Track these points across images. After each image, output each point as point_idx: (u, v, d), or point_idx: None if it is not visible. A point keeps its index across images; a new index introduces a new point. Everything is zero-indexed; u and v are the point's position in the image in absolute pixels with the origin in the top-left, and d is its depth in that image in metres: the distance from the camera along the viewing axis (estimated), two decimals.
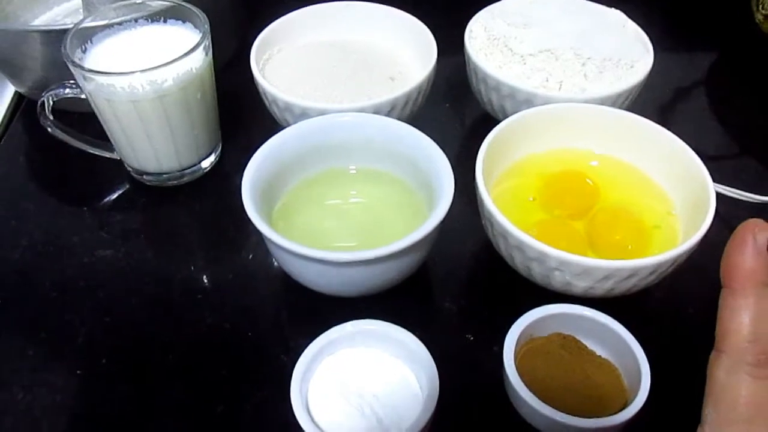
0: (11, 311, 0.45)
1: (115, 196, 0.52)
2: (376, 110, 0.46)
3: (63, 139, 0.50)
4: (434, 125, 0.46)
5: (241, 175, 0.40)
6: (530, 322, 0.38)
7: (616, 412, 0.34)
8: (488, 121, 0.52)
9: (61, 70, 0.47)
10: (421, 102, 0.50)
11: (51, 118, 0.49)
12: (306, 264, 0.38)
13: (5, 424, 0.39)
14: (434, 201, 0.40)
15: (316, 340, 0.37)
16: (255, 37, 0.53)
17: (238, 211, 0.38)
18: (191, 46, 0.45)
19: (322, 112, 0.45)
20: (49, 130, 0.50)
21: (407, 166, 0.44)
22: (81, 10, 0.61)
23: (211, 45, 0.47)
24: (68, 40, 0.45)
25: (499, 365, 0.37)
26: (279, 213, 0.44)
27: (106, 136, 0.50)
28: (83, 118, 0.50)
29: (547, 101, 0.47)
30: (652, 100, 0.59)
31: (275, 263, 0.46)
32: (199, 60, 0.46)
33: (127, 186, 0.53)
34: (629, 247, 0.41)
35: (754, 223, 0.26)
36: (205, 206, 0.52)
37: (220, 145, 0.54)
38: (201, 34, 0.46)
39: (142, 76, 0.43)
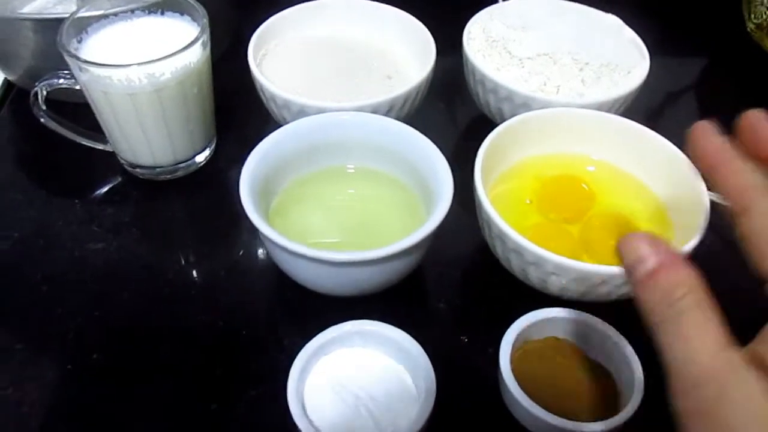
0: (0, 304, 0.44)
1: (107, 188, 0.52)
2: (375, 109, 0.46)
3: (56, 130, 0.50)
4: (430, 125, 0.46)
5: (236, 170, 0.40)
6: (526, 326, 0.38)
7: (609, 416, 0.34)
8: (484, 122, 0.52)
9: (53, 59, 0.46)
10: (419, 102, 0.50)
11: (44, 108, 0.48)
12: (303, 263, 0.38)
13: None
14: (432, 201, 0.40)
15: (314, 339, 0.37)
16: (251, 32, 0.53)
17: (232, 206, 0.38)
18: (189, 40, 0.44)
19: (320, 111, 0.45)
20: (42, 120, 0.49)
21: (405, 166, 0.44)
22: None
23: (209, 39, 0.47)
24: (64, 29, 0.44)
25: (494, 367, 0.37)
26: (276, 211, 0.44)
27: (99, 127, 0.49)
28: (76, 109, 0.50)
29: (544, 105, 0.47)
30: (647, 106, 0.59)
31: (270, 260, 0.46)
32: (197, 54, 0.46)
33: (120, 179, 0.52)
34: None
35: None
36: (199, 201, 0.51)
37: (215, 139, 0.54)
38: (199, 28, 0.46)
39: (140, 69, 0.43)
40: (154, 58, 0.43)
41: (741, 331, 0.25)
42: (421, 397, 0.35)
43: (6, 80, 0.60)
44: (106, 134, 0.50)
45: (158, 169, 0.51)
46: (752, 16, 0.62)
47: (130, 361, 0.41)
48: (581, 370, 0.38)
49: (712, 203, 0.40)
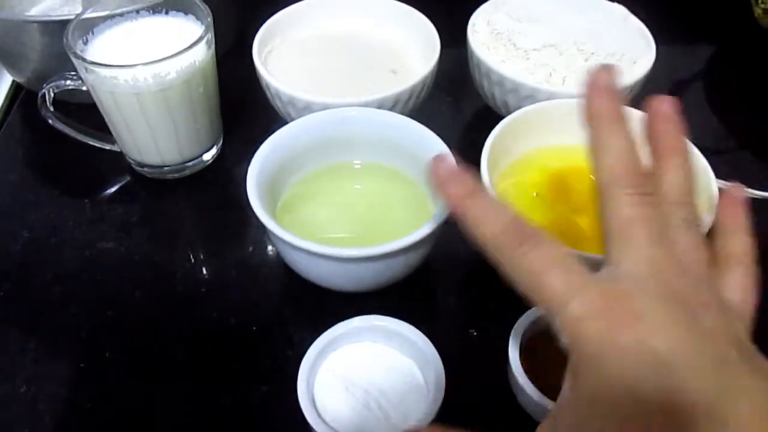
0: (13, 303, 0.45)
1: (115, 188, 0.52)
2: (381, 104, 0.46)
3: (64, 131, 0.50)
4: (436, 119, 0.46)
5: (243, 168, 0.40)
6: (535, 318, 0.38)
7: None
8: (490, 115, 0.52)
9: (60, 61, 0.46)
10: (424, 96, 0.50)
11: (52, 109, 0.48)
12: (310, 259, 0.38)
13: (8, 416, 0.39)
14: None
15: (323, 335, 0.37)
16: (255, 29, 0.53)
17: (241, 204, 0.38)
18: (194, 39, 0.45)
19: (326, 107, 0.45)
20: (50, 122, 0.49)
21: (411, 161, 0.44)
22: (79, 0, 0.61)
23: (214, 38, 0.47)
24: (70, 31, 0.45)
25: (504, 361, 0.37)
26: (283, 207, 0.44)
27: (106, 127, 0.50)
28: (82, 109, 0.50)
29: (550, 97, 0.47)
30: (654, 94, 0.59)
31: (278, 257, 0.46)
32: (202, 53, 0.46)
33: (128, 178, 0.53)
34: None
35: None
36: (207, 199, 0.51)
37: (222, 137, 0.54)
38: (204, 27, 0.46)
39: (146, 68, 0.43)
40: (160, 58, 0.43)
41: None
42: (431, 391, 0.35)
43: (14, 82, 0.61)
44: (114, 134, 0.50)
45: (166, 168, 0.51)
46: (759, 1, 0.62)
47: (142, 359, 0.41)
48: None
49: (720, 190, 0.39)
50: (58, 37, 0.44)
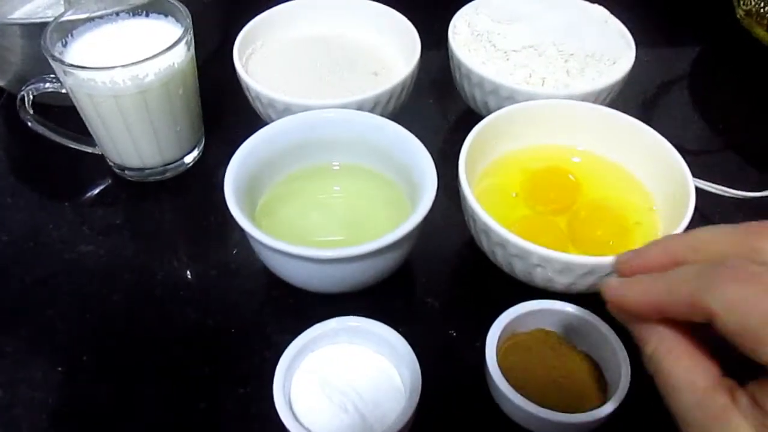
0: None
1: (97, 191, 0.52)
2: (360, 106, 0.46)
3: (44, 134, 0.50)
4: (417, 121, 0.46)
5: (225, 170, 0.40)
6: (512, 318, 0.38)
7: (596, 407, 0.34)
8: (471, 116, 0.52)
9: (41, 64, 0.46)
10: (405, 98, 0.50)
11: (31, 112, 0.48)
12: (289, 261, 0.38)
13: None
14: (417, 197, 0.40)
15: (300, 337, 0.37)
16: (237, 31, 0.53)
17: (222, 207, 0.38)
18: (173, 41, 0.44)
19: (305, 108, 0.45)
20: (30, 124, 0.49)
21: (390, 162, 0.44)
22: (62, 2, 0.60)
23: (193, 40, 0.47)
24: (48, 33, 0.45)
25: (482, 361, 0.37)
26: (263, 209, 0.44)
27: (88, 130, 0.49)
28: (64, 112, 0.50)
29: (530, 97, 0.47)
30: (634, 96, 0.59)
31: (258, 259, 0.46)
32: (181, 55, 0.46)
33: (109, 181, 0.52)
34: (611, 242, 0.41)
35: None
36: (188, 202, 0.51)
37: (203, 139, 0.54)
38: (183, 29, 0.46)
39: (124, 70, 0.43)
40: (138, 60, 0.43)
41: None
42: (408, 392, 0.35)
43: None
44: (94, 137, 0.50)
45: (147, 171, 0.51)
46: (742, 3, 0.62)
47: (120, 362, 0.41)
48: (568, 361, 0.38)
49: (699, 191, 0.40)
50: (39, 40, 0.44)
